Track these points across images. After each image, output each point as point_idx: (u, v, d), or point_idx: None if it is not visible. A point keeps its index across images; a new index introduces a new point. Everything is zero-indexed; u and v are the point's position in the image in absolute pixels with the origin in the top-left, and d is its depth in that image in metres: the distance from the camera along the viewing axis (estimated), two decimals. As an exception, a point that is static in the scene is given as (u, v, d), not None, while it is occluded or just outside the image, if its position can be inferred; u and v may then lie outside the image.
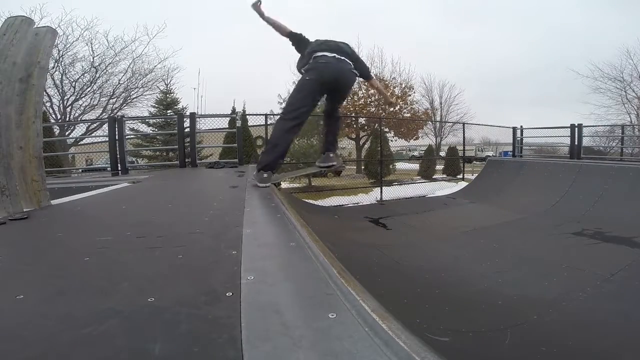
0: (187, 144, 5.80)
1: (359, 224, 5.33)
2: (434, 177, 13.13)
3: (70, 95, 12.25)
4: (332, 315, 0.74)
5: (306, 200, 7.01)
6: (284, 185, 8.87)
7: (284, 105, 3.00)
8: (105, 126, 7.40)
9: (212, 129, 8.10)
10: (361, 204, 7.59)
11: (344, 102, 3.09)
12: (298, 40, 2.98)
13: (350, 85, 2.94)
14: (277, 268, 1.03)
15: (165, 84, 12.64)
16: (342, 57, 2.69)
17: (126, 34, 16.51)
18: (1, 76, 2.08)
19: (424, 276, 3.08)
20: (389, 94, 15.93)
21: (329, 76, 2.62)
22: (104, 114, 12.73)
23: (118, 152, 5.48)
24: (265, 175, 2.59)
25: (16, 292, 0.90)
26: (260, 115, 7.53)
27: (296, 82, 2.84)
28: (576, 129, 7.98)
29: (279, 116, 2.85)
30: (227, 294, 0.86)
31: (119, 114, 12.57)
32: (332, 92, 2.80)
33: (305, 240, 1.32)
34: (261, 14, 3.00)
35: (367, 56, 17.46)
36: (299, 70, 2.84)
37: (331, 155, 3.13)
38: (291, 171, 2.34)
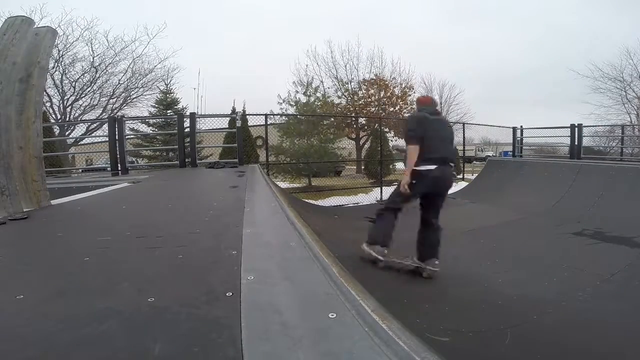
0: (187, 144, 5.80)
1: (359, 224, 5.32)
2: (434, 177, 13.09)
3: (70, 95, 12.26)
4: (332, 315, 0.74)
5: (306, 200, 7.01)
6: (284, 185, 8.87)
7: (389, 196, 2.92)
8: (105, 126, 7.41)
9: (212, 129, 8.10)
10: (361, 204, 7.59)
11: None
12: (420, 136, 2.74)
13: (450, 187, 2.87)
14: (277, 268, 1.03)
15: (165, 84, 12.65)
16: (451, 164, 2.72)
17: (126, 34, 16.55)
18: (1, 76, 2.09)
19: (424, 276, 3.07)
20: (388, 94, 15.96)
21: (436, 185, 2.67)
22: (104, 114, 12.74)
23: (118, 152, 5.48)
24: (386, 251, 2.75)
25: (16, 292, 0.90)
26: (260, 115, 7.53)
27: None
28: (576, 129, 7.98)
29: (385, 205, 2.92)
30: (227, 294, 0.86)
31: (119, 114, 12.58)
32: (434, 196, 2.78)
33: (305, 240, 1.33)
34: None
35: (367, 56, 17.53)
36: (409, 140, 2.71)
37: (436, 262, 2.79)
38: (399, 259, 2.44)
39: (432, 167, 2.60)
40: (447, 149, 2.75)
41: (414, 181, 2.64)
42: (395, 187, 2.89)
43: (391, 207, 2.83)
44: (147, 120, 10.73)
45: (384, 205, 2.87)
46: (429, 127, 2.68)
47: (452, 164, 2.74)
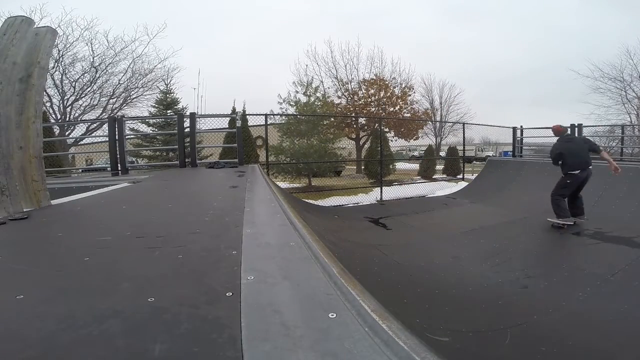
0: (187, 144, 5.80)
1: (359, 224, 5.33)
2: (434, 177, 13.14)
3: (70, 95, 12.25)
4: (332, 315, 0.74)
5: (306, 200, 7.01)
6: (284, 185, 8.87)
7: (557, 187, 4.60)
8: (105, 126, 7.40)
9: (212, 129, 8.09)
10: (361, 204, 7.59)
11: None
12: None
13: (588, 179, 4.43)
14: (277, 268, 1.03)
15: (165, 84, 12.62)
16: (590, 167, 4.35)
17: (126, 34, 16.55)
18: (1, 76, 2.08)
19: (424, 276, 3.07)
20: (388, 94, 15.95)
21: (583, 180, 4.37)
22: (104, 114, 12.72)
23: (118, 152, 5.48)
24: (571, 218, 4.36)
25: (16, 292, 0.90)
26: (260, 115, 7.52)
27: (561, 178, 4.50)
28: (576, 129, 7.98)
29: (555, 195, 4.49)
30: (227, 294, 0.86)
31: (119, 114, 12.57)
32: (581, 184, 4.42)
33: (305, 240, 1.33)
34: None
35: (367, 57, 17.51)
36: (563, 170, 4.47)
37: (585, 217, 4.42)
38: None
39: (577, 171, 4.32)
40: (582, 159, 4.35)
41: (568, 180, 4.37)
42: (559, 181, 4.54)
43: (559, 196, 4.43)
44: (147, 120, 10.71)
45: (555, 196, 4.44)
46: (564, 149, 4.44)
47: (590, 167, 4.37)
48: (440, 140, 22.99)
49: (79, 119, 12.38)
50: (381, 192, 8.27)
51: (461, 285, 2.87)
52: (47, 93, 11.14)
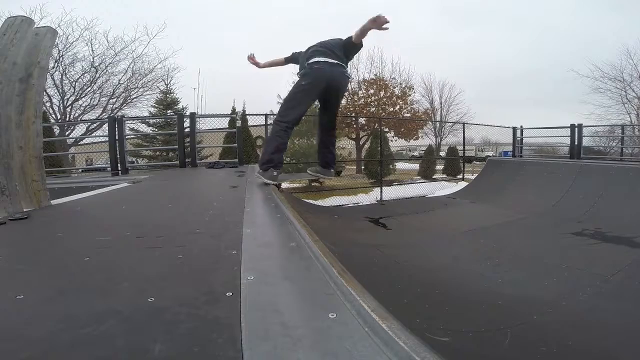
0: (187, 144, 5.80)
1: (359, 224, 5.32)
2: (434, 177, 13.15)
3: (70, 95, 12.25)
4: (332, 315, 0.74)
5: (306, 200, 7.00)
6: (284, 185, 8.87)
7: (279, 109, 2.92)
8: (105, 126, 7.40)
9: (212, 129, 8.09)
10: (361, 204, 7.59)
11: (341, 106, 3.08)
12: (294, 59, 3.14)
13: (343, 89, 3.03)
14: (277, 268, 1.03)
15: (165, 84, 12.64)
16: (335, 61, 2.75)
17: (126, 34, 16.56)
18: (1, 76, 2.08)
19: (424, 276, 3.07)
20: (388, 93, 15.93)
21: (323, 80, 2.73)
22: (104, 114, 12.72)
23: (118, 152, 5.48)
24: (274, 173, 2.76)
25: (16, 292, 0.90)
26: (260, 115, 7.53)
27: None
28: (576, 129, 7.98)
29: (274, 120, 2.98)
30: (227, 294, 0.86)
31: (119, 114, 12.57)
32: (326, 97, 2.90)
33: (305, 240, 1.32)
34: (257, 65, 3.38)
35: (367, 57, 17.51)
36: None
37: (332, 170, 3.28)
38: (292, 174, 2.66)
39: None
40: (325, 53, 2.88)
41: (302, 82, 2.87)
42: None
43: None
44: (147, 120, 10.73)
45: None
46: None
47: (341, 64, 2.85)
48: (440, 140, 23.01)
49: (79, 119, 12.38)
50: (381, 192, 8.27)
51: (461, 285, 2.87)
52: (47, 93, 11.15)
